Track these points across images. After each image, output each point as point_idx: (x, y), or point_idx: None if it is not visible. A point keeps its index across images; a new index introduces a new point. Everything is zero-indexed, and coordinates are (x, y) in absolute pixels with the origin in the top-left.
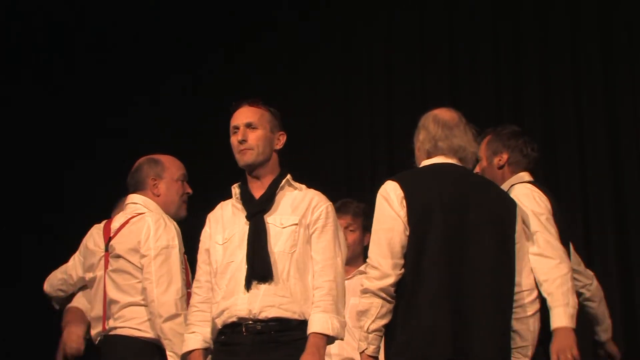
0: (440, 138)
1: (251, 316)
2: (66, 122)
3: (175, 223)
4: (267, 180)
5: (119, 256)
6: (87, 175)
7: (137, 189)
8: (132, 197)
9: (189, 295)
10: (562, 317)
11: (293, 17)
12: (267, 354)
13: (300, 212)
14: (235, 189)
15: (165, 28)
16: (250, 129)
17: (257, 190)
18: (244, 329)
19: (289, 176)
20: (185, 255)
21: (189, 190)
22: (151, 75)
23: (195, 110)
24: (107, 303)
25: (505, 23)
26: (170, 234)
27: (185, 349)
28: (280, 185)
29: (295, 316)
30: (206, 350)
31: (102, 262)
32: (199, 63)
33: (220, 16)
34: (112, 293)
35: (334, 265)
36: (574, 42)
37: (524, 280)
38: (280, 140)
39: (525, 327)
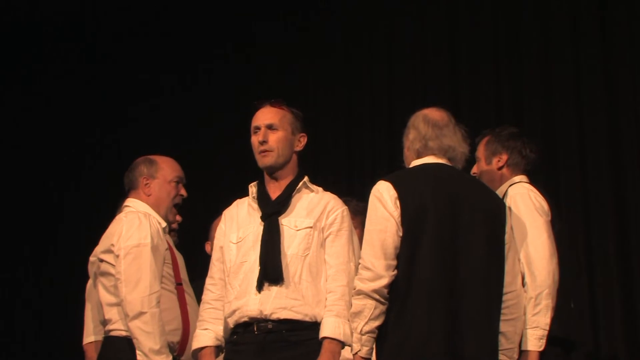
0: (431, 138)
1: (262, 317)
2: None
3: (157, 221)
4: (285, 182)
5: (101, 259)
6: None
7: (131, 187)
8: (127, 201)
9: (178, 292)
10: (528, 340)
11: (294, 18)
12: (279, 353)
13: (315, 215)
14: (252, 188)
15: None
16: (272, 130)
17: (274, 191)
18: (255, 328)
19: (306, 178)
20: (176, 252)
21: (183, 193)
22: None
23: (195, 115)
24: (103, 306)
25: (506, 24)
26: (143, 232)
27: (197, 345)
28: (297, 187)
29: (307, 319)
30: (218, 348)
31: None
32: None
33: (222, 22)
34: (103, 295)
35: (348, 270)
36: (574, 43)
37: (512, 282)
38: (301, 141)
39: (512, 329)
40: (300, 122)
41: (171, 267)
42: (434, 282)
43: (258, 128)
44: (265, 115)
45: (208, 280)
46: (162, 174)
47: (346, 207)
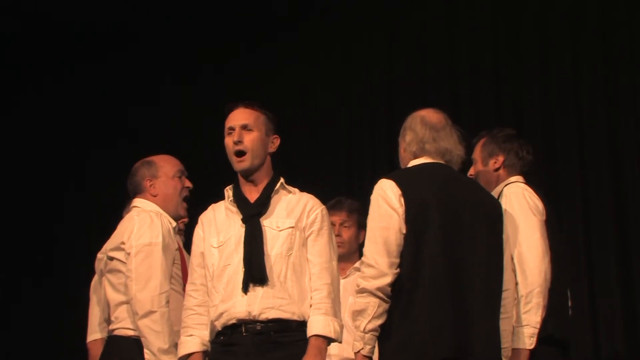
0: (428, 140)
1: (250, 318)
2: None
3: (169, 220)
4: (261, 184)
5: (111, 257)
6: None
7: (137, 192)
8: (135, 201)
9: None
10: (519, 338)
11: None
12: (267, 354)
13: (296, 215)
14: (229, 192)
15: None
16: (246, 131)
17: (251, 193)
18: (243, 330)
19: (282, 180)
20: (184, 253)
21: (189, 185)
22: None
23: (198, 116)
24: (109, 304)
25: (506, 24)
26: (154, 232)
27: (184, 352)
28: (275, 188)
29: (295, 317)
30: (204, 353)
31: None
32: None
33: (222, 21)
34: (110, 293)
35: (331, 268)
36: (574, 43)
37: (507, 281)
38: (275, 143)
39: (508, 327)
40: (274, 124)
41: (180, 268)
42: (440, 280)
43: (232, 129)
44: (240, 116)
45: (189, 287)
46: (164, 172)
47: (324, 206)
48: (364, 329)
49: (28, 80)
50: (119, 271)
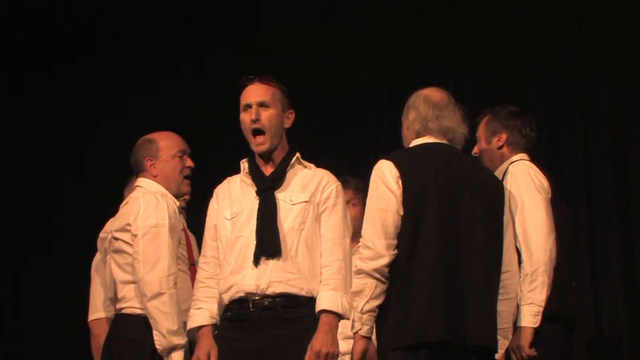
0: (431, 119)
1: (259, 291)
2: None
3: (173, 201)
4: (277, 158)
5: (116, 237)
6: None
7: (138, 170)
8: (138, 181)
9: (192, 272)
10: (523, 316)
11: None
12: (274, 330)
13: (310, 190)
14: (244, 164)
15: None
16: (263, 108)
17: (267, 167)
18: (250, 305)
19: (298, 154)
20: (189, 232)
21: (190, 164)
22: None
23: (204, 91)
24: (115, 283)
25: (509, 14)
26: (160, 213)
27: (193, 324)
28: (291, 163)
29: (303, 292)
30: (213, 326)
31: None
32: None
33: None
34: (116, 272)
35: (343, 245)
36: (577, 37)
37: (508, 262)
38: (290, 118)
39: (507, 309)
40: (288, 99)
41: (185, 248)
42: (436, 261)
43: (249, 105)
44: (257, 92)
45: (201, 259)
46: (164, 152)
47: (339, 182)
48: (362, 309)
49: (27, 76)
50: (124, 251)
